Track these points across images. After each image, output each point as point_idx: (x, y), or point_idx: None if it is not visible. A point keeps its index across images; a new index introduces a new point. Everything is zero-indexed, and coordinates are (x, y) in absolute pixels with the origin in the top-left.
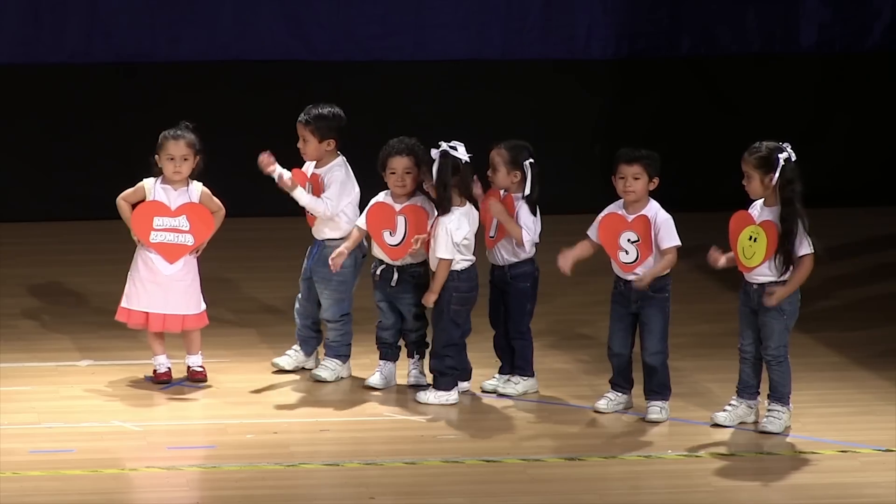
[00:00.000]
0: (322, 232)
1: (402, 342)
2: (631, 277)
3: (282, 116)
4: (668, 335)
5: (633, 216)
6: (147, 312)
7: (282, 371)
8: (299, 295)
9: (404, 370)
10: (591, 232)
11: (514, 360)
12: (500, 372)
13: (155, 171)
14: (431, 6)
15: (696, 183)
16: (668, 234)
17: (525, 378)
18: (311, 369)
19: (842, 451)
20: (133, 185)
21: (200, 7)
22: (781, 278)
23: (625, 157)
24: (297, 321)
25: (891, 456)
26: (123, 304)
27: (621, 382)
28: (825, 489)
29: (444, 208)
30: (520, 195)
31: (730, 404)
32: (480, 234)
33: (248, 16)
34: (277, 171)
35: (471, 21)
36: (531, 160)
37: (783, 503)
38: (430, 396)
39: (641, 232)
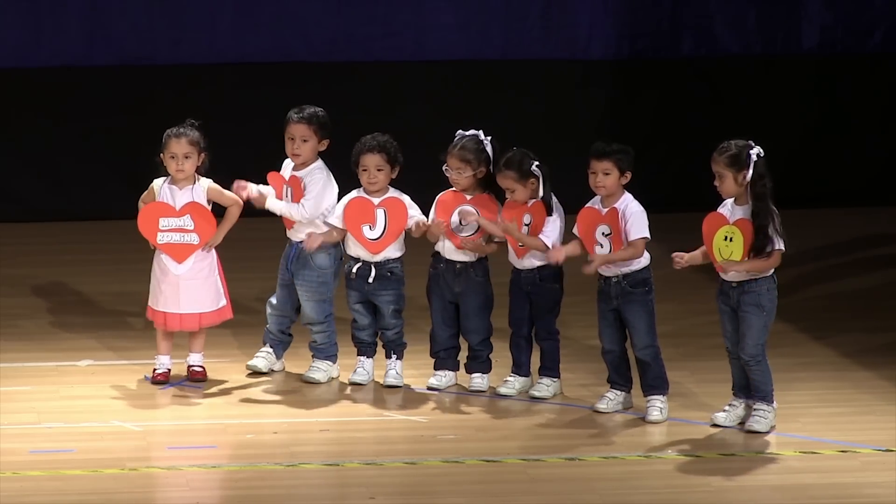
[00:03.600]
0: (300, 234)
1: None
2: (611, 272)
3: (282, 118)
4: (656, 330)
5: (606, 209)
6: (165, 313)
7: (258, 373)
8: (273, 299)
9: (382, 371)
10: (575, 229)
11: (543, 361)
12: (519, 374)
13: (162, 171)
14: (431, 6)
15: (697, 183)
16: (636, 226)
17: (554, 380)
18: (280, 371)
19: (842, 451)
20: (133, 187)
21: (201, 9)
22: (757, 276)
23: (595, 152)
24: (270, 324)
25: (891, 456)
26: (150, 303)
27: (618, 380)
28: (825, 489)
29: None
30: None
31: (729, 405)
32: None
33: (248, 18)
34: (251, 191)
35: (471, 21)
36: (536, 162)
37: (783, 503)
38: (485, 381)
39: (613, 225)
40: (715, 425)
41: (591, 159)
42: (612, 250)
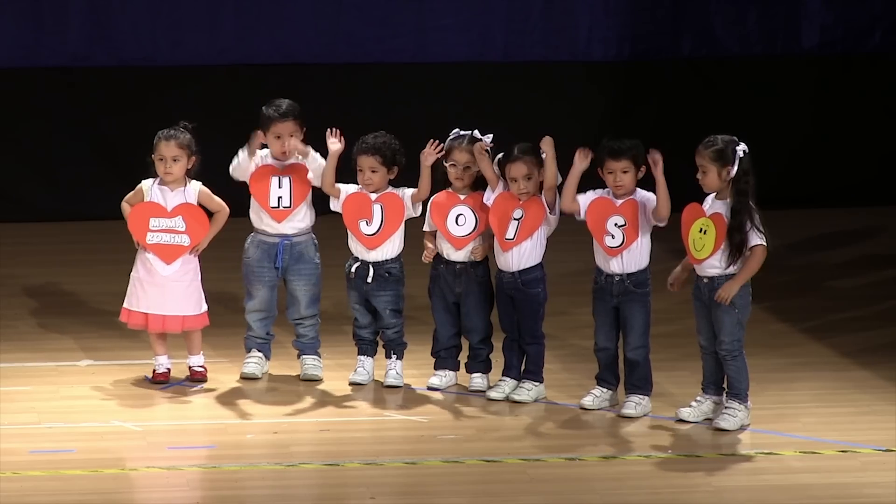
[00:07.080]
0: (294, 224)
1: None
2: (615, 269)
3: None
4: (650, 330)
5: (621, 201)
6: (147, 314)
7: (253, 379)
8: (253, 304)
9: (382, 371)
10: (582, 202)
11: (526, 365)
12: (510, 376)
13: (153, 172)
14: (432, 8)
15: (697, 183)
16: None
17: (536, 384)
18: (266, 372)
19: (842, 451)
20: (133, 188)
21: (202, 11)
22: (728, 271)
23: (611, 151)
24: (255, 329)
25: (891, 456)
26: (125, 304)
27: (607, 378)
28: (825, 489)
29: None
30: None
31: (695, 400)
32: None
33: (248, 19)
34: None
35: (472, 23)
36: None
37: (783, 503)
38: (485, 381)
39: (630, 216)
40: (680, 420)
41: (606, 159)
42: (626, 241)
